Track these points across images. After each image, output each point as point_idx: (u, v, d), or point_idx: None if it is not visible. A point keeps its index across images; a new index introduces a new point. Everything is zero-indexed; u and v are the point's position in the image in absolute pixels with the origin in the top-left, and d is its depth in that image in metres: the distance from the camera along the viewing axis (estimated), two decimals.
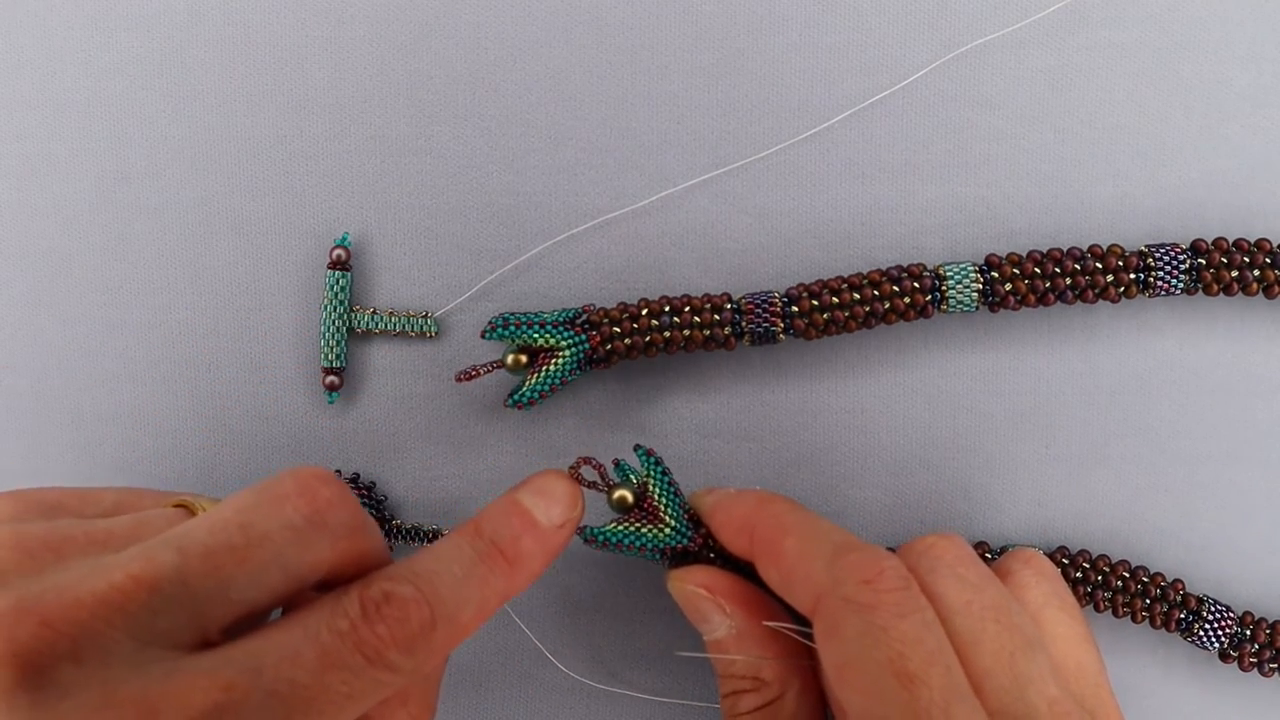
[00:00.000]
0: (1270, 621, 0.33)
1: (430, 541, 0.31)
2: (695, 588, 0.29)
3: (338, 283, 0.33)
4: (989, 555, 0.33)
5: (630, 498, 0.30)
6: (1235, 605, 0.34)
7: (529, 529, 0.27)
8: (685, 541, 0.30)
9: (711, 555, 0.30)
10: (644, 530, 0.30)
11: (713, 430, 0.34)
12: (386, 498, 0.34)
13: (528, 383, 0.32)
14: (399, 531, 0.33)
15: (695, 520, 0.30)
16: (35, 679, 0.20)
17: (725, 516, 0.29)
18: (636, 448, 0.31)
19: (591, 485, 0.30)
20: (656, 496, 0.30)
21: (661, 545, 0.30)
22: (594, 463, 0.30)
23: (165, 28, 0.34)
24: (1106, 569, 0.33)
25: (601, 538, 0.30)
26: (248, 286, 0.34)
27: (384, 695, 0.24)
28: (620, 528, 0.30)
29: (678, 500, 0.30)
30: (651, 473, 0.31)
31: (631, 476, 0.31)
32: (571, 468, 0.30)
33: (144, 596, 0.21)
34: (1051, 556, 0.33)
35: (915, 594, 0.25)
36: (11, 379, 0.34)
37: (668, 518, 0.30)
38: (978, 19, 0.34)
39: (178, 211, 0.34)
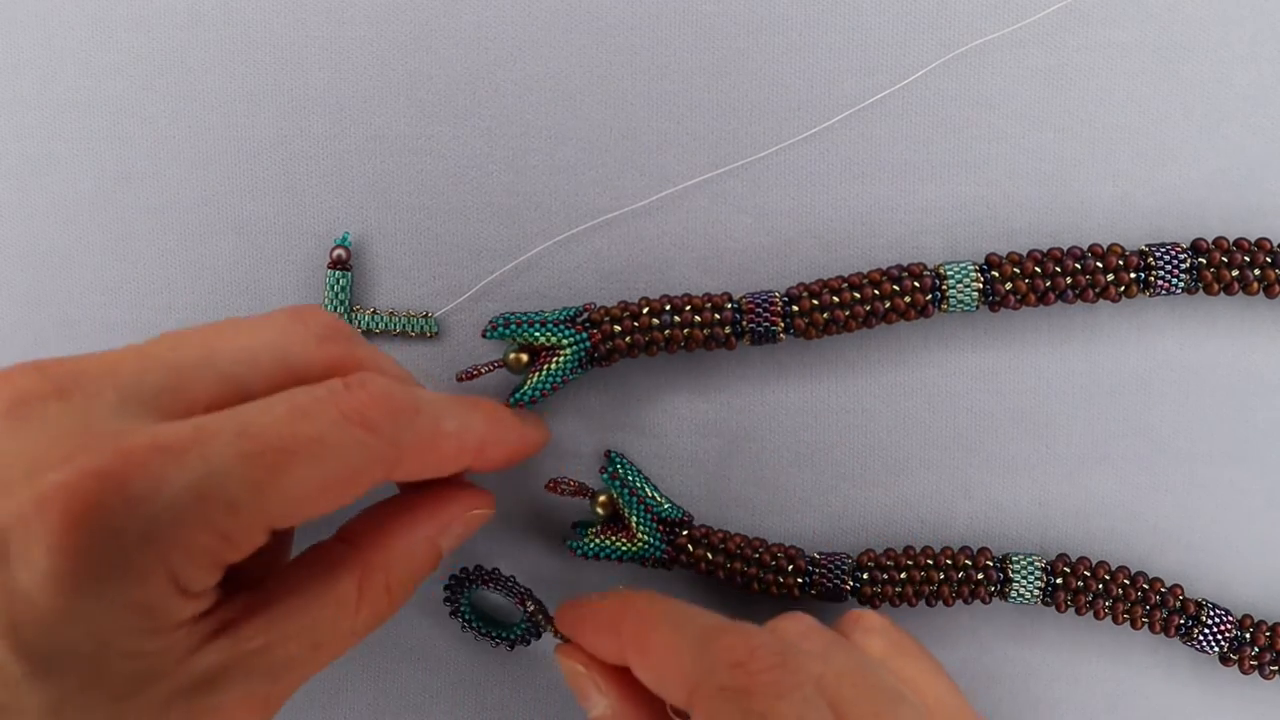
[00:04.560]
0: (1270, 624, 0.33)
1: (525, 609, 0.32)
2: (574, 664, 0.28)
3: (338, 283, 0.33)
4: (990, 562, 0.33)
5: (610, 507, 0.33)
6: (1235, 605, 0.34)
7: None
8: (659, 554, 0.32)
9: (684, 562, 0.32)
10: (620, 545, 0.32)
11: (713, 430, 0.34)
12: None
13: (529, 381, 0.32)
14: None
15: (670, 530, 0.32)
16: (20, 409, 0.22)
17: (590, 626, 0.28)
18: (604, 465, 0.33)
19: (576, 493, 0.32)
20: (626, 515, 0.32)
21: (638, 558, 0.32)
22: (565, 480, 0.33)
23: (165, 28, 0.34)
24: (1107, 576, 0.32)
25: (581, 552, 0.32)
26: (248, 286, 0.34)
27: (363, 460, 0.24)
28: (599, 542, 0.32)
29: (648, 516, 0.32)
30: (620, 494, 0.32)
31: (619, 469, 0.33)
32: (547, 486, 0.33)
33: (133, 358, 0.23)
34: (1052, 564, 0.33)
35: (791, 669, 0.24)
36: None
37: (640, 533, 0.32)
38: (978, 19, 0.34)
39: (178, 211, 0.34)
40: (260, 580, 0.25)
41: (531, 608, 0.32)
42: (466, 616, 0.33)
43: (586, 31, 0.34)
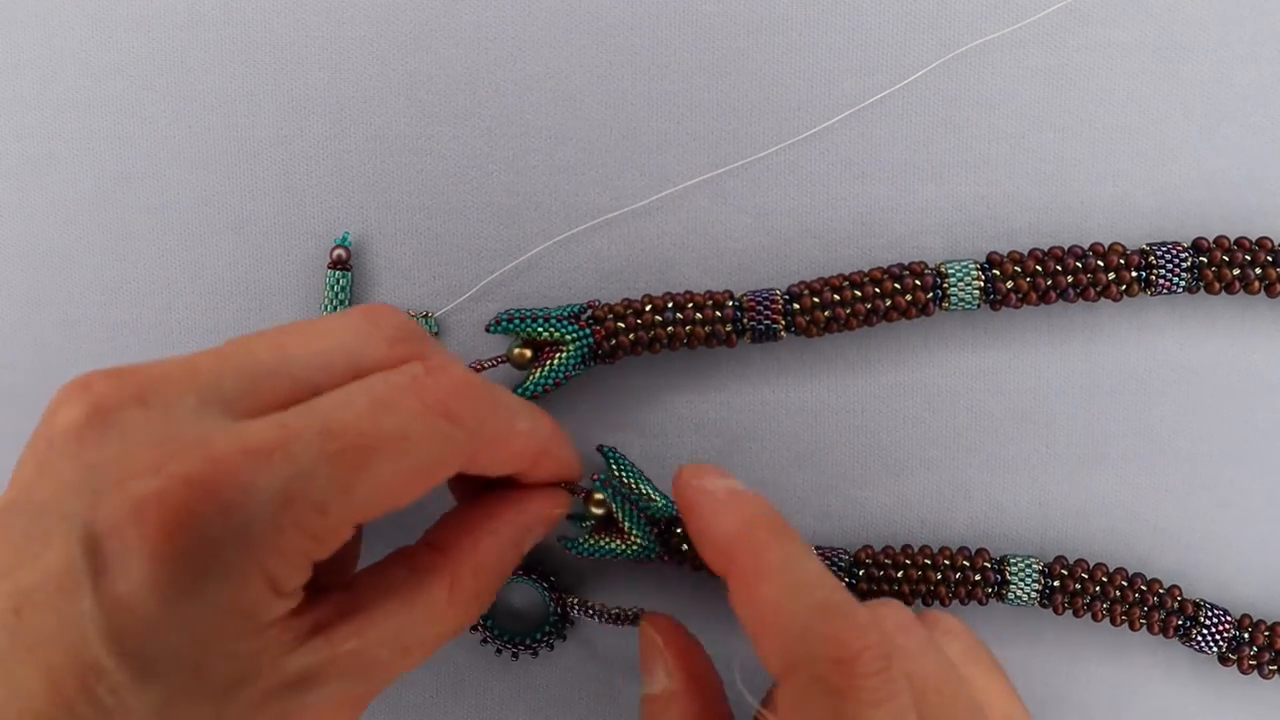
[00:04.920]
0: (1269, 624, 0.33)
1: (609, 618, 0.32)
2: (656, 636, 0.28)
3: (338, 283, 0.33)
4: (988, 564, 0.33)
5: (605, 507, 0.32)
6: (1235, 605, 0.34)
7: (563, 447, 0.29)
8: (652, 555, 0.32)
9: (678, 563, 0.32)
10: (614, 546, 0.32)
11: (713, 430, 0.34)
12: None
13: (532, 377, 0.32)
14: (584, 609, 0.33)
15: (663, 529, 0.32)
16: (101, 417, 0.22)
17: (703, 529, 0.26)
18: (598, 471, 0.32)
19: (572, 494, 0.31)
20: (620, 517, 0.32)
21: (631, 559, 0.32)
22: (562, 485, 0.31)
23: (165, 28, 0.34)
24: (1104, 578, 0.32)
25: (576, 551, 0.32)
26: (248, 286, 0.34)
27: (445, 453, 0.24)
28: (593, 542, 0.32)
29: (641, 520, 0.32)
30: (613, 501, 0.32)
31: (614, 467, 0.32)
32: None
33: (208, 362, 0.23)
34: (1050, 566, 0.32)
35: (892, 677, 0.23)
36: (11, 379, 0.34)
37: (634, 537, 0.32)
38: (978, 19, 0.34)
39: (178, 211, 0.34)
40: (340, 573, 0.26)
41: (572, 599, 0.32)
42: (487, 622, 0.33)
43: (586, 31, 0.34)
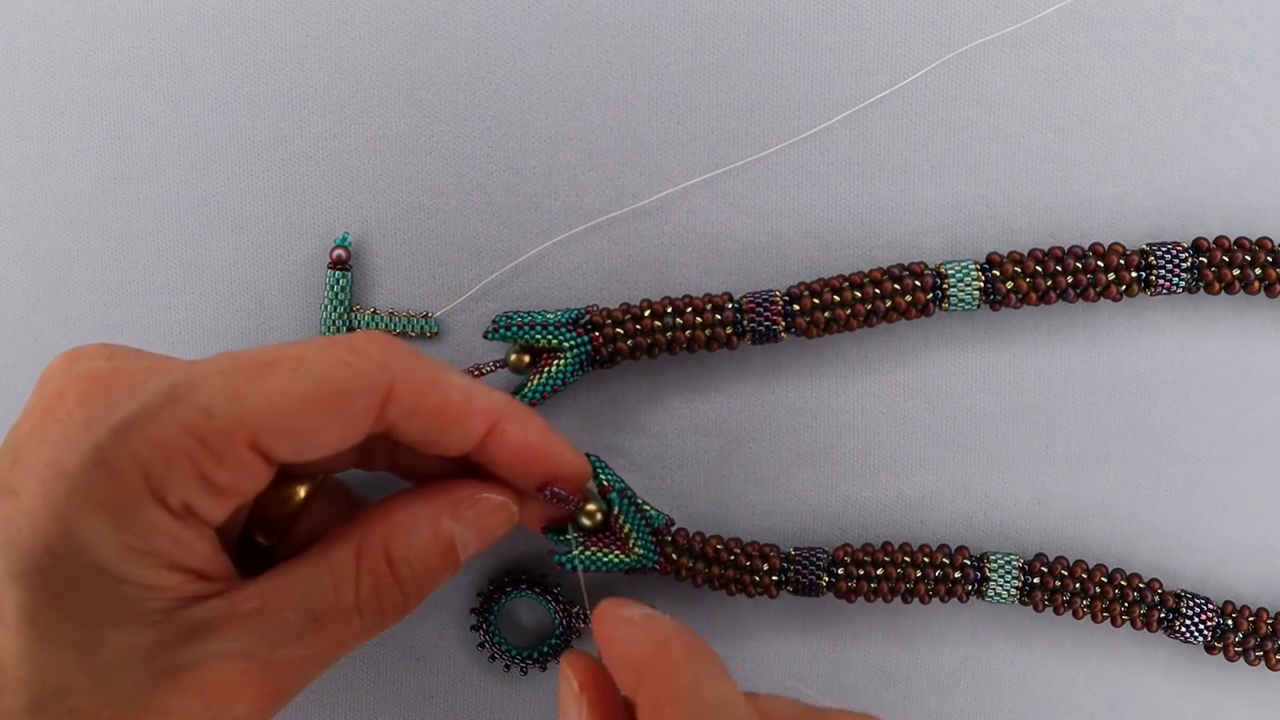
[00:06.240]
0: (1253, 609, 0.33)
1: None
2: (572, 679, 0.26)
3: (338, 283, 0.33)
4: (967, 561, 0.32)
5: (600, 517, 0.31)
6: (1237, 605, 0.34)
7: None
8: (651, 564, 0.31)
9: (678, 574, 0.32)
10: (614, 557, 0.31)
11: (713, 430, 0.34)
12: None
13: (530, 383, 0.32)
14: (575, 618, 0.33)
15: (660, 541, 0.31)
16: (72, 361, 0.24)
17: (617, 653, 0.25)
18: (596, 472, 0.31)
19: (561, 501, 0.29)
20: (622, 523, 0.31)
21: (628, 569, 0.31)
22: (550, 490, 0.29)
23: (165, 28, 0.34)
24: (1084, 574, 0.32)
25: (570, 565, 0.31)
26: (248, 286, 0.34)
27: (346, 378, 0.24)
28: (590, 554, 0.31)
29: (644, 527, 0.31)
30: (618, 502, 0.31)
31: (602, 477, 0.31)
32: (538, 487, 0.29)
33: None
34: (1029, 564, 0.32)
35: None
36: (11, 379, 0.34)
37: (635, 546, 0.31)
38: (978, 19, 0.34)
39: (178, 211, 0.34)
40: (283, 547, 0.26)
41: (576, 609, 0.32)
42: (492, 632, 0.33)
43: (586, 32, 0.34)
